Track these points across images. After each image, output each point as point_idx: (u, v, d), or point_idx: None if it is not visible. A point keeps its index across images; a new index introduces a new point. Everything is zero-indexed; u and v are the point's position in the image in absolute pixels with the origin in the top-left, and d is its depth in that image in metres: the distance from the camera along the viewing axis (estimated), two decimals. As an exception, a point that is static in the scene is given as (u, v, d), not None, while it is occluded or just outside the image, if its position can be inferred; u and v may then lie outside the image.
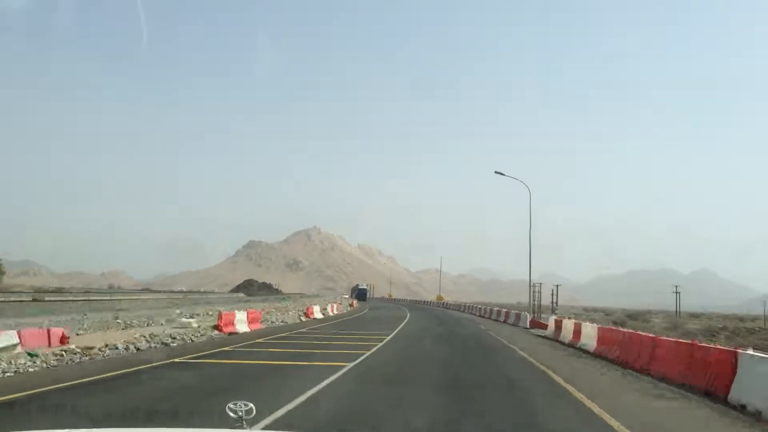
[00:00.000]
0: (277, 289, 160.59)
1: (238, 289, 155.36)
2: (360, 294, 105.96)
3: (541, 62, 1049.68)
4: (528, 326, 32.90)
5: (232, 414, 2.68)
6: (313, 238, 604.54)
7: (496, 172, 40.36)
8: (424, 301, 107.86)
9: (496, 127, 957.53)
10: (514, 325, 35.54)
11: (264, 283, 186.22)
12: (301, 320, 34.28)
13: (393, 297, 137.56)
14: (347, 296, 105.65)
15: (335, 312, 45.79)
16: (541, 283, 51.90)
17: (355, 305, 64.85)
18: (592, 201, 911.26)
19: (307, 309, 37.32)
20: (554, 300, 50.79)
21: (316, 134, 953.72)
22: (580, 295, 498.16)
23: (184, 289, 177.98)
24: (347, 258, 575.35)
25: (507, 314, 40.18)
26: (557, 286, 55.42)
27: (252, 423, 2.73)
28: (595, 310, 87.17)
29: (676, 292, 77.37)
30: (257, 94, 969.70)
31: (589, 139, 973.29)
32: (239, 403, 2.71)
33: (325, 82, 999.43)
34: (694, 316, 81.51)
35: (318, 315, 38.22)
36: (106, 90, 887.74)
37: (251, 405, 2.72)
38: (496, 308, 47.33)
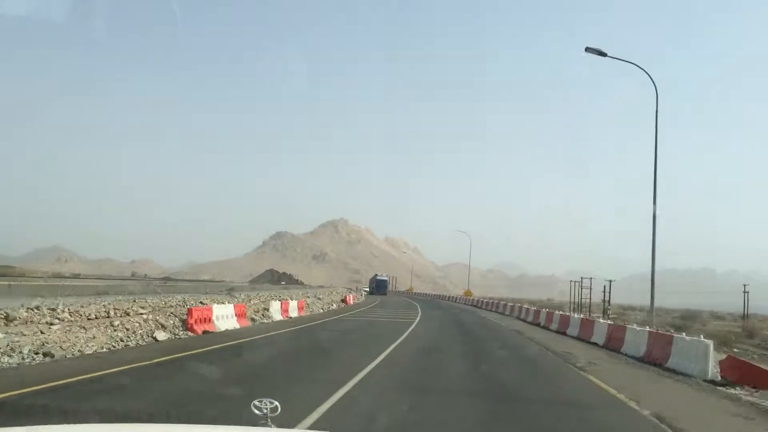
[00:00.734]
0: (297, 280, 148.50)
1: (258, 279, 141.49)
2: (378, 286, 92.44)
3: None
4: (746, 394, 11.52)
5: (257, 411, 2.57)
6: (340, 230, 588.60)
7: (587, 49, 20.39)
8: (449, 297, 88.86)
9: (532, 116, 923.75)
10: (693, 378, 12.80)
11: (285, 273, 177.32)
12: (153, 339, 14.62)
13: (414, 290, 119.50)
14: (368, 289, 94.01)
15: (291, 315, 26.06)
16: (591, 278, 43.36)
17: (350, 301, 45.56)
18: (625, 194, 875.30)
19: (189, 312, 17.17)
20: (606, 299, 41.33)
21: (344, 126, 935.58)
22: (612, 292, 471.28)
23: (206, 278, 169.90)
24: (374, 251, 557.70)
25: (661, 341, 16.36)
26: (610, 281, 42.48)
27: (277, 421, 2.55)
28: (632, 308, 72.04)
29: (745, 291, 60.97)
30: (283, 86, 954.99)
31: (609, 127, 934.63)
32: (264, 400, 2.60)
33: (353, 74, 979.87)
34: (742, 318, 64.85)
35: (229, 324, 18.46)
36: (142, 83, 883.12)
37: (276, 403, 2.60)
38: (604, 321, 23.31)
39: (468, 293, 64.94)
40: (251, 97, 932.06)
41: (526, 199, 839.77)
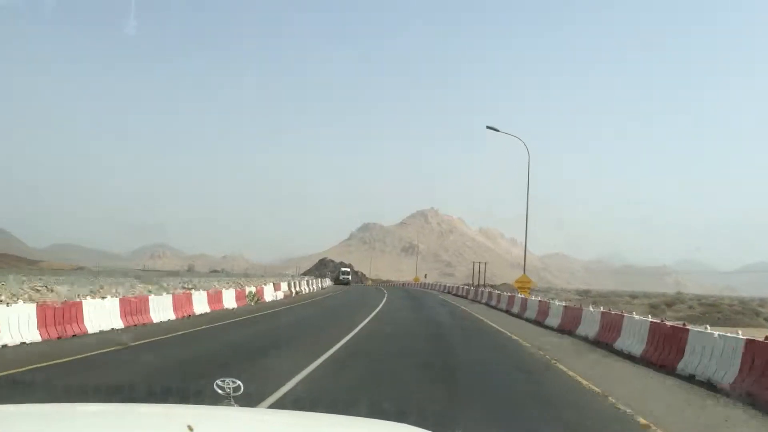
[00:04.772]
0: (357, 272, 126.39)
1: (308, 272, 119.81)
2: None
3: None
4: None
5: (220, 391, 2.55)
6: (431, 220, 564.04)
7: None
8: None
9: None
10: None
11: (342, 263, 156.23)
12: None
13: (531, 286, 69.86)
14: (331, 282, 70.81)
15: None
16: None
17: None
18: (737, 179, 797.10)
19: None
20: None
21: (435, 115, 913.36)
22: (732, 284, 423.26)
23: (290, 273, 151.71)
24: (467, 242, 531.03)
25: None
26: None
27: (239, 400, 2.56)
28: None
29: None
30: (372, 78, 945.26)
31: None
32: (227, 380, 2.57)
33: (446, 62, 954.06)
34: None
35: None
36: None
37: (239, 382, 2.58)
38: None
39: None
40: (334, 92, 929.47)
41: (627, 187, 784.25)
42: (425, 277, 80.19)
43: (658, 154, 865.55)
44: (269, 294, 31.64)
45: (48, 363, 9.85)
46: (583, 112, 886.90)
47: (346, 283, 76.89)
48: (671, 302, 41.77)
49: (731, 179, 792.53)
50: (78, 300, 14.85)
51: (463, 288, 55.71)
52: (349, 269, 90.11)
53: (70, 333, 12.83)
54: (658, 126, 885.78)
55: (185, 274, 58.41)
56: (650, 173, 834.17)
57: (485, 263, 71.80)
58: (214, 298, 22.33)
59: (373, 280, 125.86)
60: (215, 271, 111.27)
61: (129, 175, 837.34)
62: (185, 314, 18.97)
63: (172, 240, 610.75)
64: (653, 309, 34.46)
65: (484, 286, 68.23)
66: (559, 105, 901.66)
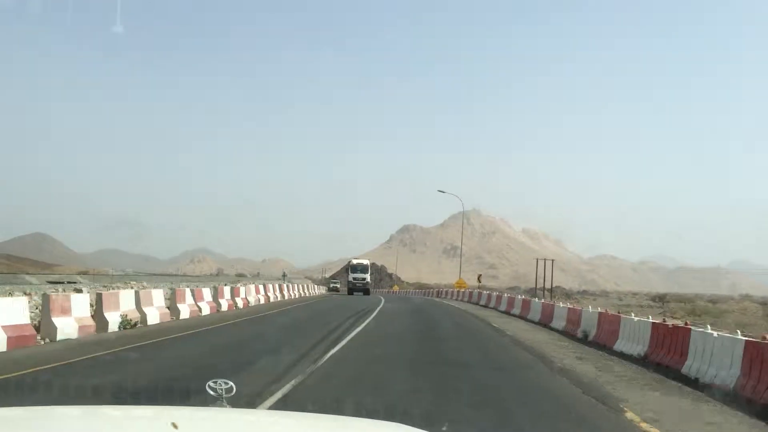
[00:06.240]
0: (390, 275, 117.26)
1: (335, 276, 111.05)
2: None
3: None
4: None
5: (211, 392, 2.56)
6: (473, 221, 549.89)
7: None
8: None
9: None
10: None
11: (373, 264, 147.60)
12: None
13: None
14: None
15: None
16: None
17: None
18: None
19: None
20: None
21: (478, 113, 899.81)
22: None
23: (326, 275, 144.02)
24: (510, 243, 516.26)
25: None
26: None
27: (231, 401, 2.56)
28: None
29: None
30: (402, 76, 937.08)
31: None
32: (219, 381, 2.58)
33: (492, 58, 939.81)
34: None
35: None
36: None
37: (231, 383, 2.58)
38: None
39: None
40: (374, 92, 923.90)
41: (678, 183, 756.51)
42: (479, 280, 51.49)
43: (703, 155, 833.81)
44: None
45: None
46: (619, 109, 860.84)
47: (364, 290, 53.60)
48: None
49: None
50: None
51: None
52: (366, 264, 58.27)
53: None
54: (700, 127, 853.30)
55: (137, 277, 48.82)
56: (696, 173, 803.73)
57: (552, 260, 55.27)
58: None
59: (409, 284, 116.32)
60: (240, 275, 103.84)
61: (178, 181, 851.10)
62: None
63: (215, 245, 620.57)
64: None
65: (551, 291, 55.06)
66: (589, 102, 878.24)
